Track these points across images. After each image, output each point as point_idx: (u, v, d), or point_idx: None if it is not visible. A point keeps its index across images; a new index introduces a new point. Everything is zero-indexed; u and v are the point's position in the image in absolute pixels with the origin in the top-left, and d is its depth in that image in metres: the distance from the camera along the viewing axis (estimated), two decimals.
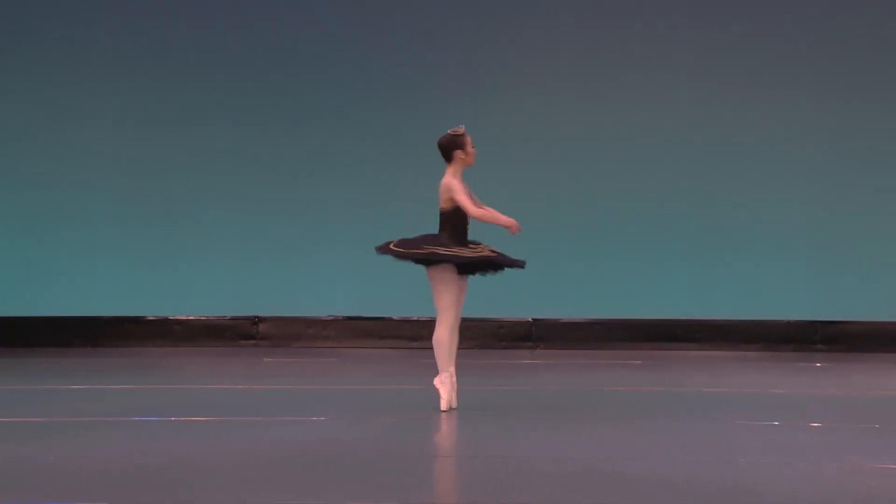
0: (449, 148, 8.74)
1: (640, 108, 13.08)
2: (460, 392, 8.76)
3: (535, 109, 13.08)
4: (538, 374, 11.26)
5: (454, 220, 8.71)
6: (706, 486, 6.38)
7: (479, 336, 13.14)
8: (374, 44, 13.28)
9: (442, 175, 8.75)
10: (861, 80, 12.96)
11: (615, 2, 13.21)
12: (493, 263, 8.82)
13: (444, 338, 8.72)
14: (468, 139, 8.78)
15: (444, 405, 8.62)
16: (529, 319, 13.09)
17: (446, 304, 8.75)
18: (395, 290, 13.14)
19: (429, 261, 8.65)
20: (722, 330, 13.06)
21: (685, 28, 13.10)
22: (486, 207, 8.84)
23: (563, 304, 13.04)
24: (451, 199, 8.69)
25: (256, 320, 13.34)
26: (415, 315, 13.25)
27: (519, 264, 8.88)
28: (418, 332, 13.24)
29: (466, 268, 8.79)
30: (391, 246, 8.68)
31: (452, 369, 8.76)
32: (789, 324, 13.00)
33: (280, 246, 13.23)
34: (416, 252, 8.63)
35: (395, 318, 13.31)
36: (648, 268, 12.95)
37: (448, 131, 8.77)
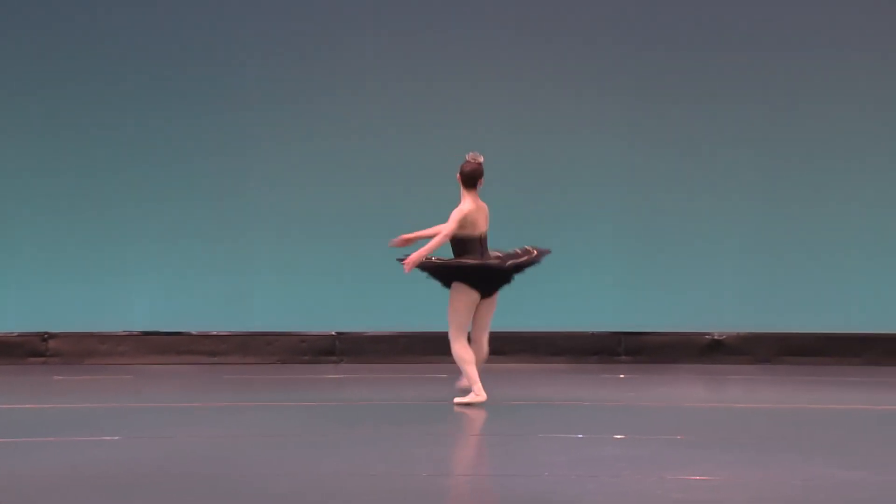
0: (477, 176, 9.53)
1: (440, 118, 13.02)
2: (275, 409, 8.56)
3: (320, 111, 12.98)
4: (343, 389, 11.14)
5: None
6: (510, 500, 6.32)
7: (280, 351, 12.95)
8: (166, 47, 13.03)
9: (458, 200, 9.52)
10: (677, 84, 13.04)
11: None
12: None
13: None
14: None
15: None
16: (333, 333, 12.96)
17: None
18: (193, 305, 12.89)
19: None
20: (528, 342, 13.07)
21: (481, 24, 13.08)
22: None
23: (367, 318, 12.92)
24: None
25: (46, 336, 12.91)
26: (214, 330, 13.00)
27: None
28: (217, 348, 12.99)
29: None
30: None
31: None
32: (594, 335, 13.07)
33: (72, 258, 12.86)
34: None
35: (193, 332, 13.01)
36: None
37: (472, 160, 9.56)
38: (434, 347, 12.93)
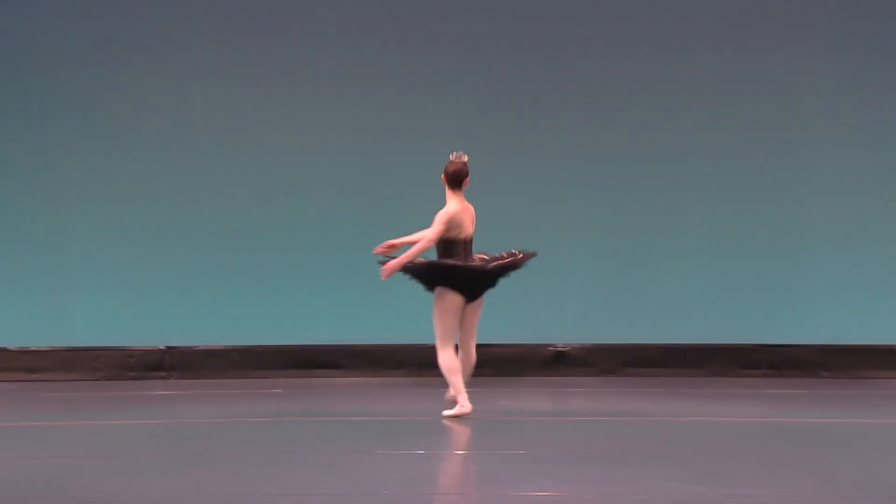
0: (461, 175, 9.29)
1: (277, 124, 12.76)
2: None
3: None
4: (173, 406, 10.85)
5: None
6: None
7: (105, 367, 12.54)
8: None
9: (443, 203, 9.28)
10: (520, 89, 12.94)
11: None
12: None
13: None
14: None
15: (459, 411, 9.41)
16: (162, 347, 12.60)
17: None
18: (9, 320, 12.43)
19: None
20: (367, 355, 12.84)
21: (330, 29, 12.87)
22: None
23: (199, 331, 12.59)
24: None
25: None
26: (33, 345, 12.50)
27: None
28: (37, 364, 12.53)
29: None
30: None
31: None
32: (434, 347, 12.88)
33: None
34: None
35: (11, 348, 12.50)
36: (289, 291, 12.65)
37: (456, 159, 9.31)
38: (269, 362, 12.65)
